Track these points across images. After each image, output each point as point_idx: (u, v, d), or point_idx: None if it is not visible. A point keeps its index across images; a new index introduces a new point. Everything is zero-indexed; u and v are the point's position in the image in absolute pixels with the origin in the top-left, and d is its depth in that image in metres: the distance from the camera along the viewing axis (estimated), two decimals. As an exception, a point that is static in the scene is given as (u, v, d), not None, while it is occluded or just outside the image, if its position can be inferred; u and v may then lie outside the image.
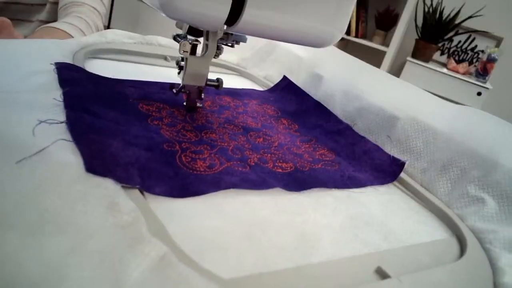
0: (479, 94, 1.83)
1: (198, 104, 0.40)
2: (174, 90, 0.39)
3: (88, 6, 0.71)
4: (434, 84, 1.85)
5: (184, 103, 0.40)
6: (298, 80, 0.54)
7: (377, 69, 0.56)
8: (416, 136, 0.39)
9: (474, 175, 0.34)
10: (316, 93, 0.50)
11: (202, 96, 0.40)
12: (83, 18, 0.68)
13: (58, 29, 0.62)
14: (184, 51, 0.36)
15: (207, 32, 0.37)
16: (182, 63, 0.38)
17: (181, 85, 0.38)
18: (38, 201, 0.21)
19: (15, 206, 0.20)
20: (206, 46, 0.38)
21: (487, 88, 1.81)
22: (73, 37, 0.62)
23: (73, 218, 0.21)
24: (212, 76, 0.43)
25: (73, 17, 0.67)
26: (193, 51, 0.37)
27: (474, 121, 0.39)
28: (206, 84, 0.39)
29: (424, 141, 0.39)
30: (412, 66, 1.92)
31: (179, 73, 0.39)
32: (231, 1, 0.29)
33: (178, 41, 0.37)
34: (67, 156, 0.23)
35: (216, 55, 0.38)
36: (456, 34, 1.96)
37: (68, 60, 0.41)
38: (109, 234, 0.20)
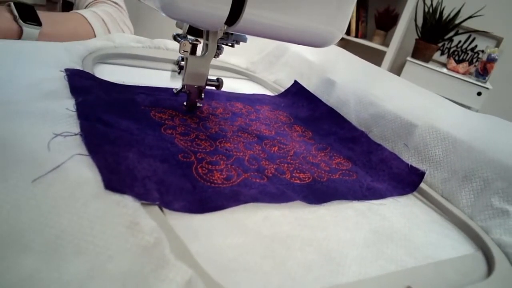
0: (479, 94, 1.82)
1: (198, 104, 0.40)
2: (174, 90, 0.39)
3: (110, 2, 0.71)
4: (434, 84, 1.84)
5: (184, 103, 0.40)
6: (309, 85, 0.53)
7: (391, 74, 0.54)
8: (435, 144, 0.38)
9: (498, 186, 0.33)
10: (329, 99, 0.49)
11: (202, 96, 0.39)
12: (110, 12, 0.67)
13: (84, 17, 0.61)
14: (184, 51, 0.36)
15: (207, 32, 0.37)
16: (182, 63, 0.38)
17: (181, 85, 0.38)
18: (55, 221, 0.20)
19: (31, 227, 0.19)
20: (206, 46, 0.37)
21: (487, 88, 1.81)
22: (93, 29, 0.62)
23: (92, 239, 0.20)
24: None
25: (100, 10, 0.66)
26: (193, 51, 0.37)
27: (495, 129, 0.38)
28: (206, 84, 0.39)
29: (444, 150, 0.38)
30: (412, 66, 1.92)
31: (179, 73, 0.39)
32: (231, 0, 0.29)
33: (178, 41, 0.36)
34: (84, 172, 0.22)
35: (216, 55, 0.38)
36: (456, 34, 1.95)
37: (77, 65, 0.40)
38: (130, 256, 0.19)
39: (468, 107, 1.72)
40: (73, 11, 0.64)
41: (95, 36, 0.62)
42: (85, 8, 0.71)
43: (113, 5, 0.70)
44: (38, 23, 0.54)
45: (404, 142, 0.40)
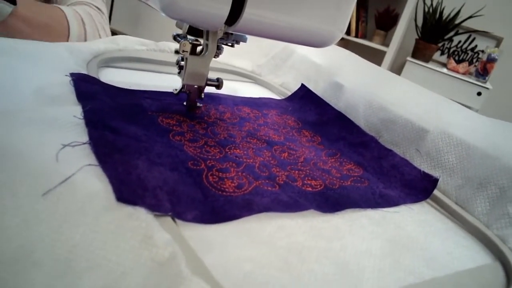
0: (479, 94, 1.82)
1: (198, 104, 0.40)
2: (174, 91, 0.39)
3: (92, 5, 0.70)
4: (434, 84, 1.84)
5: (184, 103, 0.39)
6: (316, 88, 0.52)
7: (399, 76, 0.54)
8: (448, 150, 0.38)
9: (515, 194, 0.32)
10: (337, 103, 0.48)
11: (202, 96, 0.39)
12: (91, 14, 0.66)
13: (63, 11, 0.60)
14: (184, 51, 0.36)
15: (207, 32, 0.36)
16: (182, 63, 0.38)
17: (181, 85, 0.38)
18: (66, 235, 0.19)
19: (42, 242, 0.18)
20: (206, 46, 0.37)
21: (487, 88, 1.80)
22: (69, 25, 0.61)
23: (105, 254, 0.19)
24: (226, 83, 0.42)
25: (81, 9, 0.65)
26: (193, 51, 0.36)
27: (509, 136, 0.38)
28: (206, 84, 0.39)
29: (457, 156, 0.37)
30: (412, 66, 1.91)
31: (179, 73, 0.39)
32: (231, 0, 0.28)
33: (178, 41, 0.36)
34: (94, 183, 0.22)
35: (216, 55, 0.38)
36: (456, 34, 1.95)
37: (82, 69, 0.39)
38: (145, 272, 0.19)
39: (468, 107, 1.72)
40: (54, 5, 0.63)
41: (68, 33, 0.61)
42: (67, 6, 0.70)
43: (94, 9, 0.69)
44: (13, 2, 0.51)
45: (416, 148, 0.40)
